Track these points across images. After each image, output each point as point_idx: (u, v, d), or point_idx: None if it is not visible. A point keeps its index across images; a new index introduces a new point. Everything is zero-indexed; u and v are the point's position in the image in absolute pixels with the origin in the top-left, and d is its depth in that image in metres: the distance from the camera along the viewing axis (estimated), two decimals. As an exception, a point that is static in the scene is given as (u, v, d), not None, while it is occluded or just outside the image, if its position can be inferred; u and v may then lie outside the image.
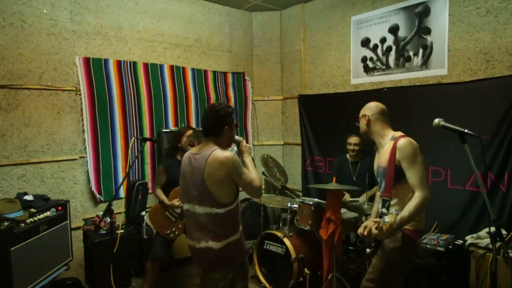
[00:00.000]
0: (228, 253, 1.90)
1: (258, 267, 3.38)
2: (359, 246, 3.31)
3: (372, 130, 2.20)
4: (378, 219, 1.93)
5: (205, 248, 1.90)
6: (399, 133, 2.12)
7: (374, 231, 1.93)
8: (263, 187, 1.98)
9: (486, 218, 2.89)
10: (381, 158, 2.13)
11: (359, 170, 3.58)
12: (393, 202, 2.10)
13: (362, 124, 2.23)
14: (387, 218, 1.87)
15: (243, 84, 4.80)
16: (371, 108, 2.22)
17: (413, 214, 1.93)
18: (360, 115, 2.25)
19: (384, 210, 2.01)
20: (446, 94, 3.19)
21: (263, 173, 4.11)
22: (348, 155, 3.68)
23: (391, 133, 2.15)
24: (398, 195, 2.08)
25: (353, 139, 3.58)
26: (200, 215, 1.90)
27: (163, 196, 3.02)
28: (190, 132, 3.09)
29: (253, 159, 2.10)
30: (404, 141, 2.00)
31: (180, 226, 3.02)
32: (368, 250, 2.38)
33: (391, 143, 2.06)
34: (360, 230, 2.19)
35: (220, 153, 1.85)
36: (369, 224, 2.10)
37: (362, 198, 3.23)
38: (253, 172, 1.95)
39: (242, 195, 2.02)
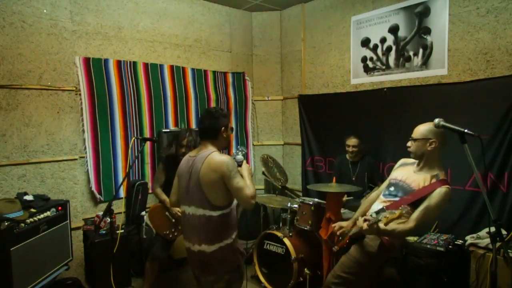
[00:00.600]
0: (221, 257, 1.90)
1: (258, 267, 3.38)
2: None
3: (428, 156, 2.14)
4: (370, 217, 1.98)
5: (197, 251, 1.91)
6: (443, 175, 2.13)
7: (363, 225, 1.97)
8: (255, 195, 1.95)
9: (486, 218, 2.89)
10: (413, 179, 2.16)
11: (358, 170, 3.58)
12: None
13: (422, 146, 2.13)
14: (370, 215, 2.01)
15: (243, 84, 4.80)
16: (438, 133, 2.09)
17: (400, 234, 2.03)
18: (422, 137, 2.13)
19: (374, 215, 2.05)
20: (446, 94, 3.18)
21: (263, 173, 4.11)
22: (347, 155, 3.68)
23: (437, 169, 2.14)
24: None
25: (352, 141, 3.57)
26: (195, 217, 1.92)
27: (164, 196, 3.02)
28: (184, 141, 3.07)
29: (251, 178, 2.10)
30: (445, 191, 2.03)
31: (179, 227, 3.02)
32: (335, 248, 2.44)
33: (432, 180, 2.09)
34: (336, 228, 2.34)
35: (216, 156, 1.88)
36: (345, 224, 2.28)
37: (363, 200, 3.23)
38: (248, 182, 1.93)
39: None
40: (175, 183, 2.11)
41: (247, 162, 2.14)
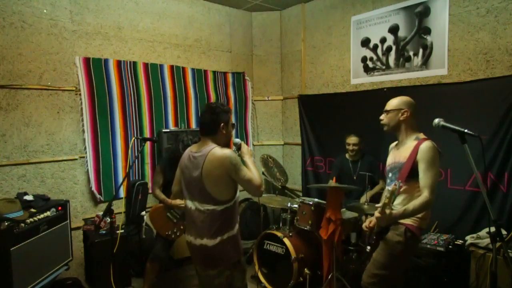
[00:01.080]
0: (222, 251, 1.91)
1: (258, 267, 3.38)
2: (360, 246, 3.31)
3: (402, 126, 2.20)
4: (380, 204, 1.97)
5: (199, 245, 1.92)
6: (422, 135, 2.16)
7: (377, 214, 1.97)
8: (263, 183, 1.97)
9: (486, 218, 2.89)
10: (400, 155, 2.18)
11: (359, 170, 3.58)
12: (400, 197, 2.15)
13: (395, 117, 2.20)
14: (390, 187, 1.97)
15: (243, 84, 4.80)
16: (410, 104, 2.20)
17: (416, 210, 2.00)
18: (394, 107, 2.20)
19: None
20: (446, 94, 3.18)
21: (263, 173, 4.11)
22: (347, 155, 3.69)
23: (415, 134, 2.18)
24: (407, 191, 2.13)
25: (352, 139, 3.59)
26: (198, 212, 1.92)
27: (163, 196, 3.01)
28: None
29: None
30: (427, 144, 2.05)
31: (181, 227, 3.01)
32: (368, 248, 2.40)
33: (414, 143, 2.11)
34: (365, 224, 2.27)
35: (218, 151, 1.87)
36: (373, 218, 2.16)
37: (363, 199, 3.23)
38: (253, 171, 1.94)
39: (242, 195, 2.02)
40: (178, 173, 2.11)
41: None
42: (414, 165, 2.07)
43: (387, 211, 1.92)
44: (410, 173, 2.07)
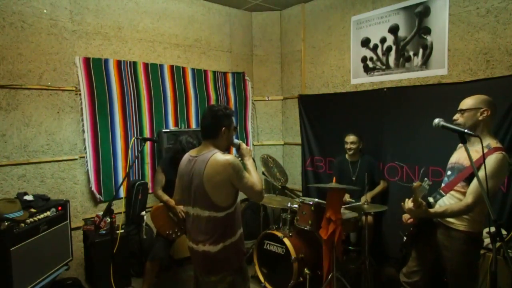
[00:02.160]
0: (225, 257, 1.88)
1: (258, 267, 3.38)
2: (360, 246, 3.32)
3: (479, 127, 2.02)
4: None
5: (202, 251, 1.89)
6: (495, 143, 2.01)
7: (409, 205, 1.97)
8: (263, 187, 1.95)
9: (486, 218, 2.88)
10: (466, 156, 2.02)
11: (358, 170, 3.58)
12: (452, 199, 2.08)
13: (473, 117, 2.02)
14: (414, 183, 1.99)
15: (243, 84, 4.80)
16: (490, 103, 2.02)
17: (450, 214, 1.98)
18: (473, 106, 2.03)
19: (430, 199, 2.06)
20: (446, 94, 3.18)
21: (263, 173, 4.11)
22: (347, 155, 3.69)
23: (489, 139, 2.02)
24: (455, 195, 2.07)
25: (350, 138, 3.59)
26: (199, 218, 1.89)
27: (166, 197, 2.99)
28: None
29: (253, 161, 2.10)
30: (497, 156, 1.91)
31: (182, 227, 3.01)
32: (405, 238, 2.36)
33: (485, 150, 1.91)
34: (404, 216, 2.25)
35: (220, 157, 1.82)
36: (408, 204, 2.10)
37: (363, 199, 3.23)
38: (254, 176, 1.92)
39: (242, 195, 2.01)
40: (177, 182, 2.07)
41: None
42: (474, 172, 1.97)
43: (422, 206, 1.90)
44: (468, 179, 1.98)
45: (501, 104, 2.85)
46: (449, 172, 2.19)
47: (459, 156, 2.15)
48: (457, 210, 1.96)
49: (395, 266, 2.86)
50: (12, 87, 3.04)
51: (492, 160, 1.91)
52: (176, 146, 3.00)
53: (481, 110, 2.02)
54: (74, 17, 3.37)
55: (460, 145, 2.28)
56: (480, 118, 2.02)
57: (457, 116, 2.11)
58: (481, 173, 1.88)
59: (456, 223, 2.06)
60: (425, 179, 2.04)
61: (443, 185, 2.20)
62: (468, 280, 2.10)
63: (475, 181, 1.92)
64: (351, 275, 3.11)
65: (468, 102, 2.08)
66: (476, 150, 1.99)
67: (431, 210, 1.98)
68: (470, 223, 2.03)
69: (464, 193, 2.02)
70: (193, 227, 1.94)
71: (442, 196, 2.13)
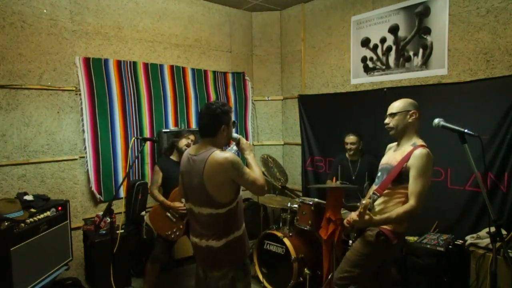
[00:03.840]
0: (228, 252, 1.89)
1: (258, 267, 3.38)
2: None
3: (408, 128, 2.15)
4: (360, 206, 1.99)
5: (205, 246, 1.90)
6: (421, 142, 2.12)
7: (354, 217, 1.98)
8: (266, 186, 1.96)
9: (486, 218, 2.89)
10: (394, 157, 2.16)
11: (358, 169, 3.58)
12: (379, 200, 2.17)
13: (403, 119, 2.14)
14: (363, 201, 1.99)
15: (243, 84, 4.80)
16: (416, 105, 2.17)
17: (399, 218, 2.00)
18: (402, 109, 2.15)
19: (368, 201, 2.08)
20: (446, 94, 3.18)
21: (263, 173, 4.10)
22: (347, 154, 3.69)
23: (414, 139, 2.14)
24: (388, 195, 2.14)
25: (350, 138, 3.59)
26: (201, 215, 1.90)
27: (161, 198, 3.01)
28: (191, 136, 3.10)
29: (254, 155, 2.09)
30: (421, 151, 2.01)
31: (181, 227, 3.01)
32: (350, 242, 2.44)
33: (410, 148, 2.08)
34: (346, 219, 2.28)
35: (219, 155, 1.81)
36: (353, 215, 2.13)
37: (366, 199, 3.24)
38: (256, 170, 1.92)
39: (242, 194, 2.01)
40: (179, 180, 2.08)
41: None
42: (403, 169, 2.04)
43: (366, 217, 1.91)
44: (397, 178, 2.06)
45: (501, 104, 2.85)
46: (379, 173, 2.27)
47: (389, 157, 2.24)
48: (402, 212, 1.97)
49: (395, 266, 2.86)
50: (12, 87, 3.04)
51: (418, 155, 2.00)
52: (169, 146, 3.05)
53: (410, 112, 2.14)
54: (74, 17, 3.37)
55: (389, 146, 2.37)
56: (410, 120, 2.13)
57: (388, 120, 2.20)
58: (412, 173, 1.99)
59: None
60: (372, 194, 2.08)
61: (374, 186, 2.28)
62: (353, 266, 2.20)
63: (411, 181, 2.00)
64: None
65: (397, 106, 2.18)
66: (402, 152, 2.11)
67: (377, 218, 1.98)
68: (393, 223, 2.09)
69: (387, 193, 2.12)
70: (196, 223, 1.95)
71: (378, 197, 2.16)
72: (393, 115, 2.17)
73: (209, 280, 1.96)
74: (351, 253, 2.26)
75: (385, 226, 2.10)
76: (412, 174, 2.00)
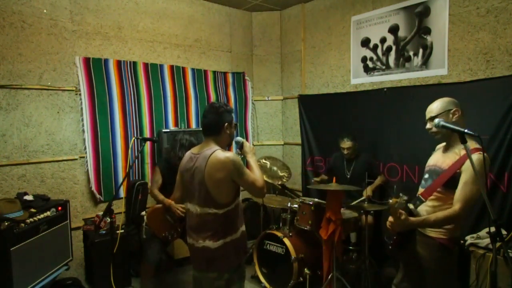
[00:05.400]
0: (224, 254, 1.89)
1: (258, 267, 3.38)
2: (360, 246, 3.31)
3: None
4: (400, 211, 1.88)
5: (202, 247, 1.90)
6: (474, 144, 1.93)
7: (391, 219, 1.92)
8: (265, 188, 1.96)
9: (486, 218, 2.88)
10: (444, 160, 2.00)
11: (353, 168, 3.57)
12: (428, 203, 2.02)
13: (445, 120, 1.90)
14: (390, 200, 1.90)
15: (243, 84, 4.80)
16: (457, 102, 1.98)
17: (438, 223, 1.90)
18: (442, 110, 1.97)
19: (411, 206, 1.97)
20: (446, 94, 3.15)
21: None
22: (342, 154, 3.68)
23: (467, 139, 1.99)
24: (440, 199, 1.99)
25: (346, 144, 3.52)
26: (199, 215, 1.91)
27: (162, 196, 2.98)
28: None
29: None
30: (479, 158, 1.81)
31: (178, 229, 3.00)
32: (390, 246, 2.31)
33: (463, 152, 1.88)
34: (387, 224, 2.09)
35: (221, 154, 1.84)
36: (390, 218, 2.01)
37: (364, 194, 3.24)
38: (257, 172, 1.93)
39: (242, 195, 2.01)
40: (178, 179, 2.10)
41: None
42: (455, 174, 1.89)
43: (402, 216, 1.82)
44: (449, 182, 1.91)
45: (501, 104, 2.85)
46: (426, 175, 2.12)
47: (437, 159, 2.08)
48: (442, 218, 1.87)
49: (395, 266, 2.86)
50: (12, 87, 3.04)
51: (475, 161, 1.79)
52: (169, 147, 3.02)
53: (452, 111, 1.98)
54: (74, 17, 3.37)
55: (438, 147, 2.23)
56: (454, 119, 1.96)
57: (430, 125, 2.03)
58: (462, 178, 1.86)
59: (429, 230, 2.01)
60: (400, 194, 1.96)
61: (421, 189, 2.13)
62: None
63: (460, 186, 1.86)
64: (351, 275, 3.10)
65: (436, 107, 2.02)
66: (453, 155, 1.95)
67: (413, 219, 1.88)
68: (444, 230, 1.97)
69: (440, 198, 1.98)
70: (194, 224, 1.95)
71: (422, 202, 2.04)
72: (433, 118, 1.97)
73: (204, 282, 1.97)
74: (423, 273, 2.03)
75: (441, 236, 1.97)
76: (463, 179, 1.86)
